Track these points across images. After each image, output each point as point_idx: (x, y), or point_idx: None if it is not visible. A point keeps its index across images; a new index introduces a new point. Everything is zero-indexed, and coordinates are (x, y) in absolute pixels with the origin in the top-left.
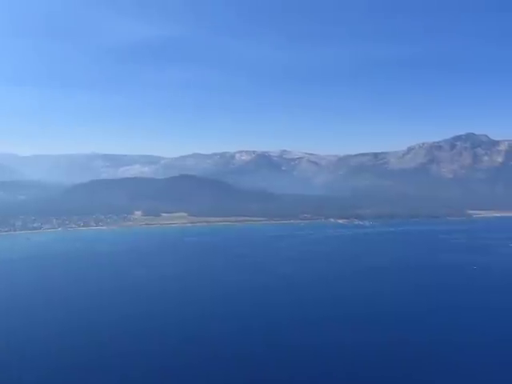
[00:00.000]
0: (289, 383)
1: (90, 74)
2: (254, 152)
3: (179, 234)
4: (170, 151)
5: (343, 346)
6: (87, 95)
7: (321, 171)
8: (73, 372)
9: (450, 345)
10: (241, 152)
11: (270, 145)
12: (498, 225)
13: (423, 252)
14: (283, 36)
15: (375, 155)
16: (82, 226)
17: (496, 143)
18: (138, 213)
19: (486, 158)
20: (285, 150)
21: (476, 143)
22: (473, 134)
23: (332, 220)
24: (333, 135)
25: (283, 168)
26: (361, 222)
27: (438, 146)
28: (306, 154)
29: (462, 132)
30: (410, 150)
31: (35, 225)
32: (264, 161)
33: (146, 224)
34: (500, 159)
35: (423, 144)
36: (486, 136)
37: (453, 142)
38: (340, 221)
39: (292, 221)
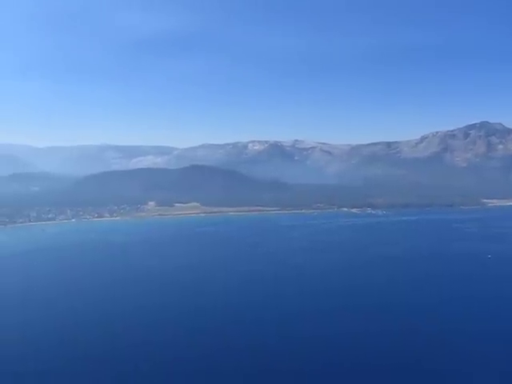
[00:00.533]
0: (301, 373)
1: (103, 65)
2: (266, 142)
3: (192, 225)
4: (182, 142)
5: (355, 335)
6: (100, 87)
7: (333, 160)
8: (87, 362)
9: (463, 334)
10: (253, 142)
11: (283, 134)
12: None
13: (437, 241)
14: (296, 25)
15: (388, 144)
16: (96, 217)
17: (511, 131)
18: (151, 203)
19: (500, 146)
20: (297, 140)
21: (490, 131)
22: (487, 122)
23: (345, 209)
24: (345, 124)
25: (296, 158)
26: (373, 211)
27: (451, 135)
28: (319, 143)
29: (476, 120)
30: (423, 138)
31: (50, 216)
32: (277, 150)
33: (160, 215)
34: None
35: (437, 133)
36: (501, 124)
37: (467, 131)
38: (353, 210)
39: (305, 210)
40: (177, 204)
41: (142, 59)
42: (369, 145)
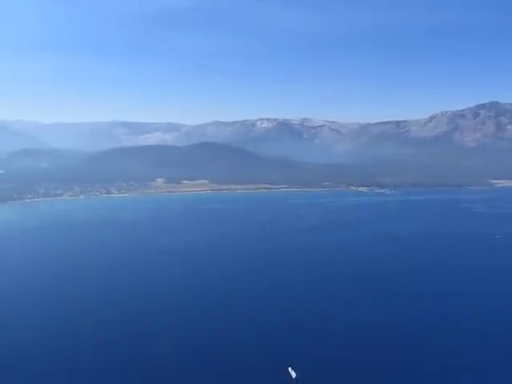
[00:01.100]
0: (310, 351)
1: (113, 41)
2: (275, 120)
3: (200, 202)
4: (191, 119)
5: (362, 314)
6: (110, 63)
7: (342, 139)
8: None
9: (470, 310)
10: (262, 120)
11: (292, 113)
12: None
13: (445, 221)
14: (307, 2)
15: (397, 123)
16: (104, 194)
17: None
18: (159, 180)
19: (509, 126)
20: (306, 118)
21: (500, 112)
22: (497, 102)
23: (353, 188)
24: (354, 103)
25: (304, 136)
26: (382, 190)
27: (460, 115)
28: (328, 121)
29: (485, 100)
30: (432, 118)
31: (58, 192)
32: (285, 129)
33: (168, 191)
34: None
35: (446, 112)
36: (510, 104)
37: (476, 111)
38: (361, 189)
39: (313, 189)
40: (185, 181)
41: (153, 35)
42: (378, 124)
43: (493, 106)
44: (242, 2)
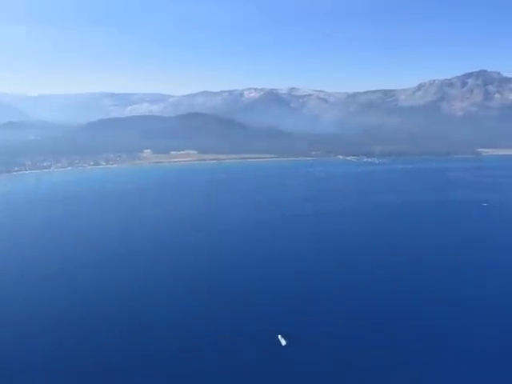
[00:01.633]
0: (298, 320)
1: (101, 12)
2: (262, 89)
3: (189, 172)
4: (178, 89)
5: (349, 282)
6: (95, 33)
7: (330, 108)
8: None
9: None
10: (249, 89)
11: (279, 82)
12: (508, 163)
13: (433, 189)
14: None
15: (385, 92)
16: (92, 165)
17: (508, 80)
18: (147, 151)
19: (497, 95)
20: (293, 88)
21: (488, 80)
22: (485, 71)
23: (341, 157)
24: (342, 72)
25: (292, 105)
26: (370, 160)
27: (448, 83)
28: (315, 91)
29: (473, 69)
30: (420, 87)
31: (45, 164)
32: (273, 98)
33: (156, 162)
34: None
35: (434, 81)
36: (498, 73)
37: (464, 79)
38: (349, 158)
39: (301, 158)
40: (173, 151)
41: (139, 5)
42: (365, 93)
43: (480, 74)
44: None
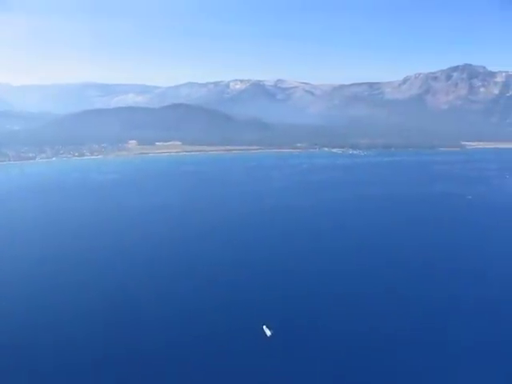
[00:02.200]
0: (283, 310)
1: (85, 0)
2: (248, 81)
3: (174, 163)
4: (163, 80)
5: (335, 271)
6: (79, 22)
7: (316, 101)
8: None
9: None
10: (235, 81)
11: (265, 74)
12: (493, 156)
13: (418, 182)
14: None
15: (370, 85)
16: (77, 156)
17: (493, 74)
18: (132, 142)
19: (482, 89)
20: (279, 79)
21: (473, 74)
22: (470, 64)
23: (326, 149)
24: (328, 64)
25: (278, 97)
26: (355, 152)
27: (433, 77)
28: (301, 83)
29: (458, 63)
30: (405, 80)
31: (30, 155)
32: (259, 90)
33: (141, 153)
34: (496, 91)
35: (419, 74)
36: (483, 67)
37: (449, 73)
38: (334, 150)
39: (287, 150)
40: (158, 143)
41: None
42: (351, 85)
43: (465, 68)
44: None
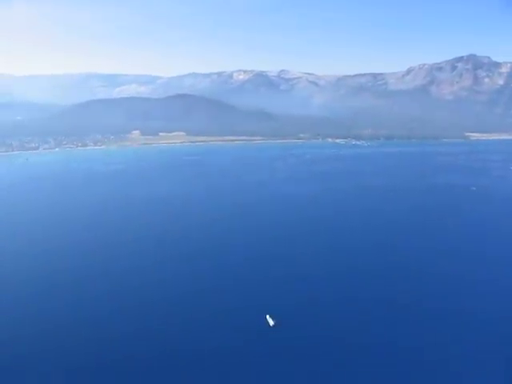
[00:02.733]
0: (286, 300)
1: None
2: (252, 71)
3: (178, 154)
4: (167, 70)
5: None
6: (83, 12)
7: (319, 91)
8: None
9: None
10: (239, 71)
11: (269, 64)
12: (497, 147)
13: (422, 173)
14: None
15: (374, 76)
16: (80, 146)
17: (498, 65)
18: (135, 132)
19: (486, 79)
20: (283, 70)
21: (477, 65)
22: (474, 55)
23: (330, 140)
24: (332, 55)
25: (281, 88)
26: (358, 143)
27: (438, 67)
28: (305, 73)
29: (463, 53)
30: (409, 70)
31: (33, 145)
32: (262, 80)
33: (144, 143)
34: (501, 81)
35: (423, 65)
36: (488, 58)
37: (454, 64)
38: (338, 141)
39: (290, 140)
40: (161, 133)
41: None
42: (355, 76)
43: (470, 58)
44: None
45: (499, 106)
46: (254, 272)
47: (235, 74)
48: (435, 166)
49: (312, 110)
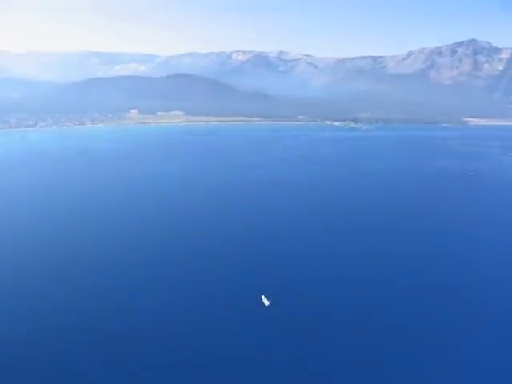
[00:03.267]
0: (281, 280)
1: None
2: (251, 52)
3: (176, 133)
4: (166, 49)
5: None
6: None
7: (318, 73)
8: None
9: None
10: (237, 52)
11: (268, 45)
12: (495, 133)
13: (420, 157)
14: None
15: (374, 59)
16: (78, 124)
17: (498, 50)
18: (133, 111)
19: (486, 65)
20: (282, 51)
21: (477, 50)
22: (475, 40)
23: (328, 122)
24: (331, 37)
25: (280, 69)
26: (356, 126)
27: (438, 52)
28: (304, 55)
29: (464, 38)
30: (409, 54)
31: (30, 122)
32: (261, 61)
33: (143, 122)
34: (501, 67)
35: (423, 49)
36: (489, 43)
37: (454, 48)
38: (336, 123)
39: (288, 122)
40: (159, 112)
41: None
42: (354, 58)
43: (470, 43)
44: None
45: (498, 92)
46: (249, 253)
47: (234, 55)
48: (433, 151)
49: (311, 92)
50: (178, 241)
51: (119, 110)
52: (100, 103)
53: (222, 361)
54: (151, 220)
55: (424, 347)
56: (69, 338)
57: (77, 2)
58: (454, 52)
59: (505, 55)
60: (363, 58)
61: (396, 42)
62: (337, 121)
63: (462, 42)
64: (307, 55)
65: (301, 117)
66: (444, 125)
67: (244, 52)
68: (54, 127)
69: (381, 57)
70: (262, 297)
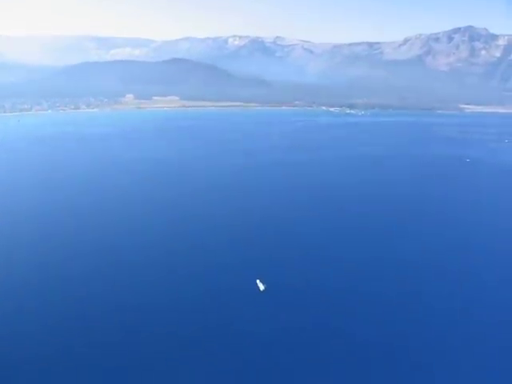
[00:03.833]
0: (276, 265)
1: None
2: (247, 37)
3: (171, 118)
4: (161, 34)
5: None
6: None
7: (315, 59)
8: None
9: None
10: (234, 37)
11: (264, 30)
12: (492, 120)
13: (417, 143)
14: None
15: (370, 45)
16: (73, 109)
17: (495, 37)
18: (129, 96)
19: (483, 52)
20: (279, 37)
21: (475, 36)
22: (472, 26)
23: (324, 108)
24: (328, 23)
25: (277, 54)
26: (353, 111)
27: (435, 38)
28: (301, 41)
29: (461, 24)
30: (406, 40)
31: (25, 106)
32: (257, 46)
33: (138, 107)
34: (498, 54)
35: (420, 35)
36: (486, 29)
37: (451, 35)
38: (332, 109)
39: (284, 107)
40: (155, 97)
41: None
42: (351, 44)
43: (467, 30)
44: None
45: (495, 79)
46: (244, 237)
47: (230, 40)
48: (429, 137)
49: (307, 78)
50: (172, 226)
51: (115, 94)
52: (95, 88)
53: (219, 345)
54: (145, 204)
55: (421, 336)
56: (66, 333)
57: None
58: (450, 38)
59: (502, 42)
60: (360, 43)
61: (393, 28)
62: (333, 106)
63: (459, 28)
64: (304, 41)
65: (297, 102)
66: (440, 111)
67: (240, 37)
68: (50, 111)
69: (377, 43)
70: (257, 281)
